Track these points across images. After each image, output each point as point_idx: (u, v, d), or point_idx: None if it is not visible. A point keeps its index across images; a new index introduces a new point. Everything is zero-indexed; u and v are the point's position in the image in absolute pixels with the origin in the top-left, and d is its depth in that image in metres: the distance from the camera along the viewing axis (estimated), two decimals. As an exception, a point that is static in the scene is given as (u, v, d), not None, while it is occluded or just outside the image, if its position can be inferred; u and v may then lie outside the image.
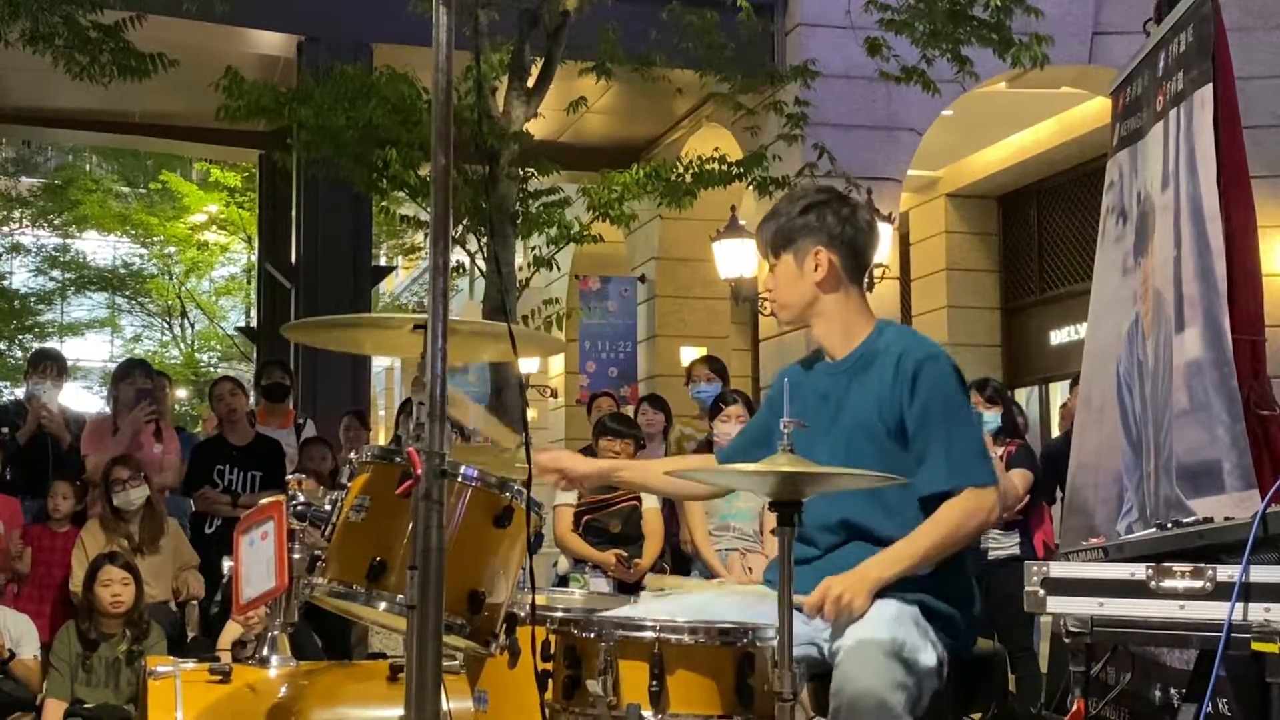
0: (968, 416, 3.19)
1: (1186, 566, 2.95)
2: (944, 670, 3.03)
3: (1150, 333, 5.16)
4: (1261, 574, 2.83)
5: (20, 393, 9.07)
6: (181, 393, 23.24)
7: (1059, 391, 13.98)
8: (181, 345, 25.79)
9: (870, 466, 2.93)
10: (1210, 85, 4.68)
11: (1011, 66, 9.54)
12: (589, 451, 7.41)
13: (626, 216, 9.73)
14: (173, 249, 24.21)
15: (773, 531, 2.70)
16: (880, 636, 2.87)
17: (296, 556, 3.12)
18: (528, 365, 15.48)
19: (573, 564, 6.75)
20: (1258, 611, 2.80)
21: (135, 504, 6.58)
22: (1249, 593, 2.82)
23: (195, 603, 6.88)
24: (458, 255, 9.37)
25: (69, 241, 26.08)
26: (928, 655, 2.94)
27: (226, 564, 3.33)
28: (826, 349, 3.30)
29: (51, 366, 7.51)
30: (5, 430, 7.21)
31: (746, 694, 2.69)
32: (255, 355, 15.51)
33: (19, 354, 23.49)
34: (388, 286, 26.48)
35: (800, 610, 2.87)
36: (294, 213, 12.36)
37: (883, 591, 2.99)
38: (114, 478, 6.58)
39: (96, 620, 5.93)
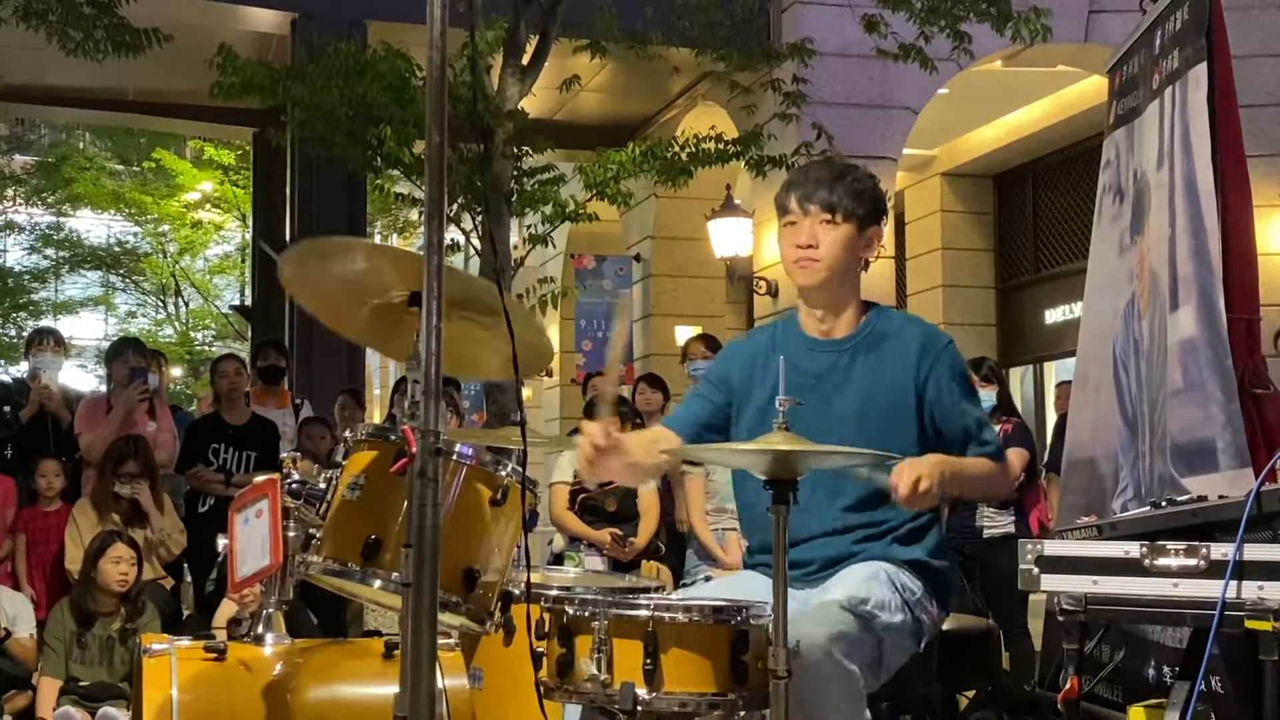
0: None
1: (1180, 545, 2.95)
2: (922, 631, 3.05)
3: (1146, 312, 5.16)
4: (1255, 552, 2.84)
5: (15, 371, 9.06)
6: (176, 371, 23.21)
7: (1054, 370, 13.99)
8: (176, 324, 25.77)
9: (892, 441, 3.00)
10: (1204, 63, 4.67)
11: (1012, 41, 9.53)
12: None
13: (622, 195, 9.72)
14: (166, 227, 24.16)
15: (768, 509, 2.70)
16: (838, 596, 2.92)
17: (291, 534, 3.12)
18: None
19: (568, 542, 6.76)
20: (1251, 589, 2.81)
21: (135, 493, 6.59)
22: (1242, 571, 2.82)
23: (174, 572, 6.91)
24: (452, 233, 9.36)
25: (63, 219, 26.03)
26: (893, 614, 2.97)
27: (221, 542, 3.32)
28: (819, 326, 3.27)
29: (50, 340, 7.50)
30: (7, 409, 7.21)
31: (740, 672, 2.69)
32: (250, 334, 15.50)
33: (13, 332, 23.47)
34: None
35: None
36: (288, 190, 12.33)
37: (870, 553, 3.08)
38: (121, 471, 6.58)
39: (94, 596, 5.93)
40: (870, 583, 2.98)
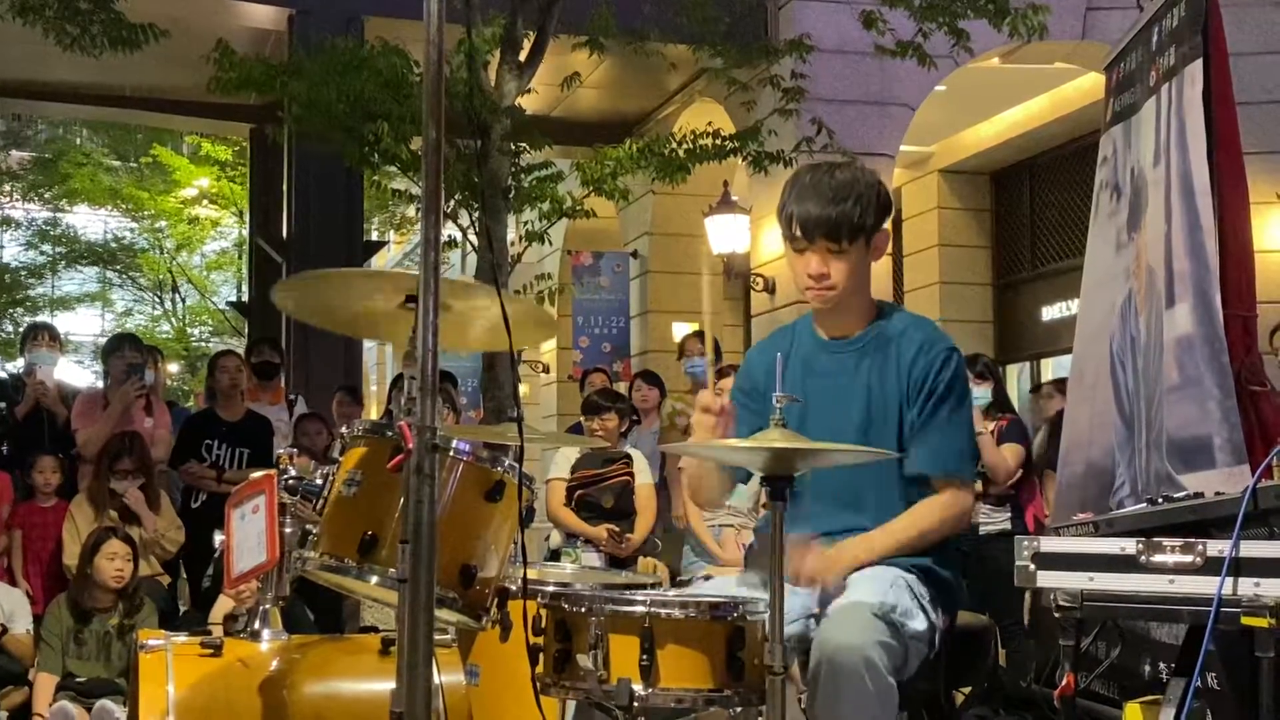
0: (969, 415, 3.23)
1: (1177, 541, 2.95)
2: (936, 637, 3.05)
3: (1143, 308, 5.17)
4: (1251, 549, 2.84)
5: (12, 367, 9.05)
6: (173, 367, 23.21)
7: (1051, 367, 14.00)
8: (173, 320, 25.76)
9: (890, 444, 2.99)
10: (1200, 60, 4.67)
11: (1010, 37, 9.52)
12: (578, 429, 7.42)
13: (620, 191, 9.72)
14: (163, 223, 24.15)
15: (764, 506, 2.70)
16: (869, 600, 2.89)
17: (288, 530, 3.12)
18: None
19: (565, 538, 6.77)
20: (1247, 586, 2.81)
21: (127, 490, 6.59)
22: (1239, 567, 2.82)
23: (170, 572, 6.91)
24: (450, 230, 9.35)
25: (59, 215, 26.02)
26: (917, 621, 2.96)
27: (218, 537, 3.32)
28: (834, 327, 3.25)
29: (45, 335, 7.50)
30: (2, 405, 7.20)
31: (737, 668, 2.69)
32: (247, 330, 15.49)
33: (10, 328, 23.45)
34: (379, 261, 26.39)
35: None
36: (285, 187, 12.32)
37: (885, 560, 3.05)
38: (117, 468, 6.58)
39: (91, 592, 5.93)
40: (892, 589, 2.96)
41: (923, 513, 3.09)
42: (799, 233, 3.13)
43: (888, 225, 3.23)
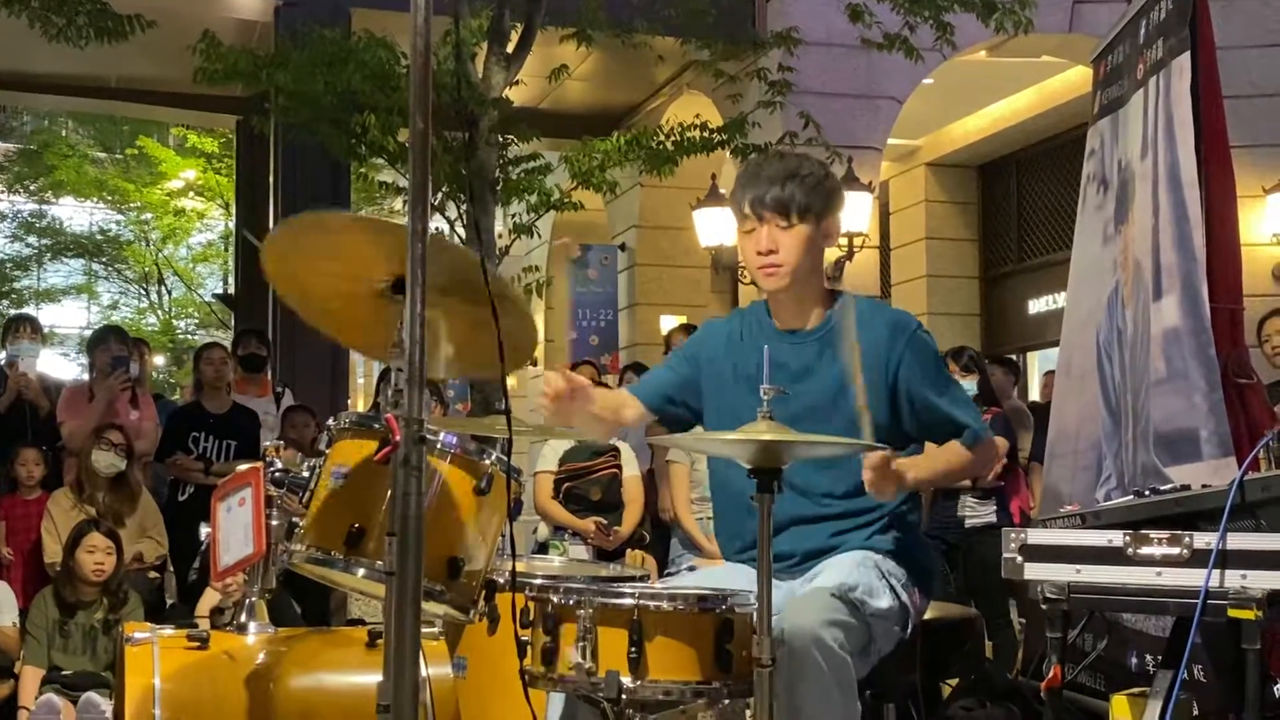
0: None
1: (1164, 534, 2.96)
2: (908, 617, 3.06)
3: (1130, 301, 5.17)
4: (1238, 541, 2.85)
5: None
6: (159, 360, 23.12)
7: (1037, 360, 14.04)
8: (159, 312, 25.65)
9: (853, 433, 2.99)
10: (1188, 53, 4.68)
11: (995, 32, 9.53)
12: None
13: (607, 184, 9.71)
14: (149, 215, 24.04)
15: (752, 499, 2.70)
16: (828, 583, 2.93)
17: (275, 523, 3.11)
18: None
19: (553, 531, 6.76)
20: (1234, 578, 2.82)
21: (107, 469, 6.55)
22: (1225, 559, 2.84)
23: (159, 570, 6.87)
24: (437, 222, 9.34)
25: (45, 207, 25.89)
26: (881, 599, 2.97)
27: (204, 530, 3.31)
28: (789, 317, 3.27)
29: (27, 327, 7.46)
30: None
31: (725, 660, 2.69)
32: (233, 322, 15.43)
33: (-6, 320, 23.33)
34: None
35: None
36: (272, 179, 12.28)
37: (851, 544, 3.09)
38: (104, 436, 6.55)
39: (74, 586, 5.91)
40: (858, 569, 2.99)
41: (959, 449, 3.17)
42: (748, 210, 3.20)
43: (839, 215, 3.27)
